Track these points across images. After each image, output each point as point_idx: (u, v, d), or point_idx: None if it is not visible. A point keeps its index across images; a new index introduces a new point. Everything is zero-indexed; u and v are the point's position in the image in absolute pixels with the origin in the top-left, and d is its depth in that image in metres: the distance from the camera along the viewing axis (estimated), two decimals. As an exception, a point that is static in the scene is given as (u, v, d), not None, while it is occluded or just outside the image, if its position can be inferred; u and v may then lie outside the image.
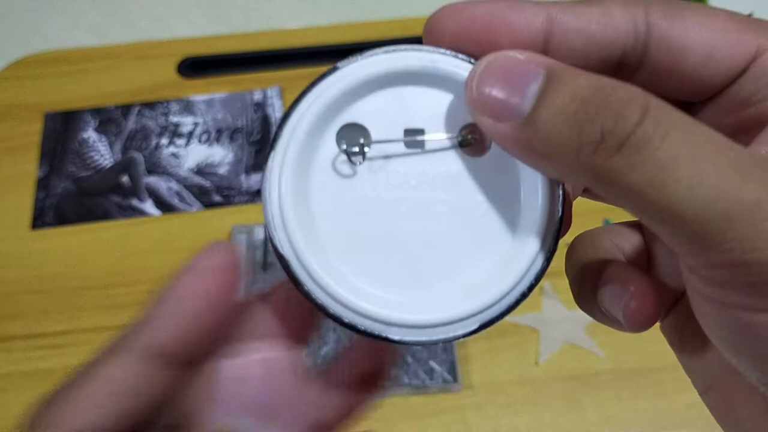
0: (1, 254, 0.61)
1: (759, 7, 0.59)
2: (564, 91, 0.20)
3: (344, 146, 0.23)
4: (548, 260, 0.22)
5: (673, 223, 0.19)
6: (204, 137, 0.67)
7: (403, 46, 0.23)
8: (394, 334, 0.22)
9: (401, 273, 0.23)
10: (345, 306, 0.22)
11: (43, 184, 0.65)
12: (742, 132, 0.23)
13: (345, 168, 0.23)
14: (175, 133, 0.67)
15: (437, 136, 0.23)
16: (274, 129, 0.21)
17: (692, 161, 0.18)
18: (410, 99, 0.23)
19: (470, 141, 0.23)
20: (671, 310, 0.27)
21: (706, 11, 0.23)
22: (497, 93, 0.20)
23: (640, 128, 0.18)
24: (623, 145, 0.19)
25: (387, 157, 0.23)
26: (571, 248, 0.29)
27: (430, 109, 0.23)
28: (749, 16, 0.22)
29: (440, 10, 0.23)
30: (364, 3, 0.78)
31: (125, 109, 0.69)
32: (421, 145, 0.23)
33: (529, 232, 0.22)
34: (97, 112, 0.68)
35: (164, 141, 0.67)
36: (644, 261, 0.28)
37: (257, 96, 0.69)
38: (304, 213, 0.22)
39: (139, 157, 0.66)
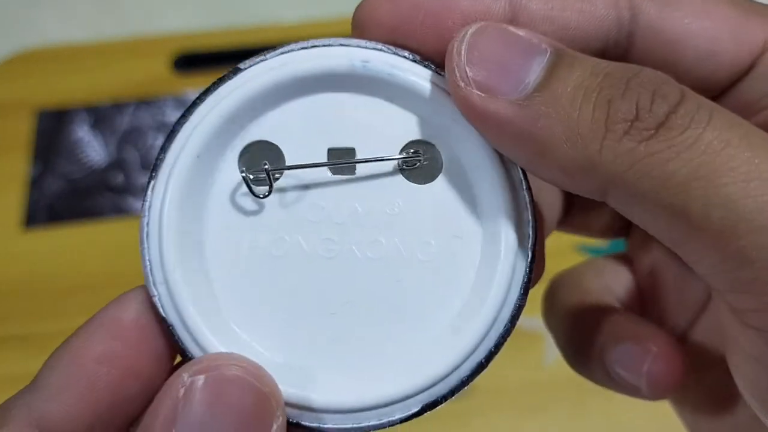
0: (-8, 254, 0.60)
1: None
2: (581, 66, 0.16)
3: (245, 172, 0.17)
4: (514, 319, 0.18)
5: (721, 232, 0.14)
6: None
7: (325, 40, 0.18)
8: (309, 420, 0.17)
9: (321, 339, 0.17)
10: None
11: (36, 183, 0.64)
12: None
13: (248, 202, 0.17)
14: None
15: (371, 157, 0.18)
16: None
17: (747, 147, 0.14)
18: (335, 110, 0.18)
19: (415, 163, 0.18)
20: None
21: None
22: (493, 59, 0.16)
23: (683, 107, 0.15)
24: (663, 125, 0.15)
25: (305, 186, 0.18)
26: (550, 293, 0.24)
27: (362, 123, 0.18)
28: None
29: None
30: (363, -2, 0.77)
31: (120, 107, 0.68)
32: (350, 170, 0.18)
33: (488, 283, 0.17)
34: (91, 110, 0.68)
35: (159, 139, 0.66)
36: (637, 304, 0.24)
37: (254, 93, 0.68)
38: (195, 261, 0.17)
39: (134, 155, 0.65)
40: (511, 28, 0.16)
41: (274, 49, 0.18)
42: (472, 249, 0.18)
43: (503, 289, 0.17)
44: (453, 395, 0.17)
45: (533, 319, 0.55)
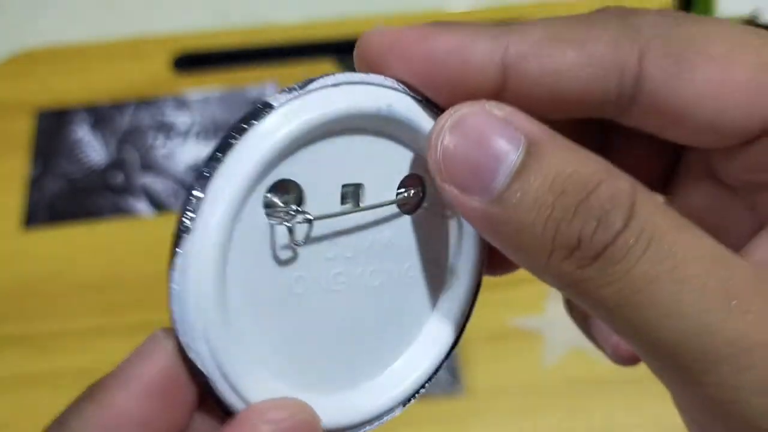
0: (-8, 254, 0.60)
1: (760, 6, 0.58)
2: (543, 171, 0.16)
3: (281, 220, 0.17)
4: (456, 340, 0.20)
5: (646, 352, 0.16)
6: (199, 135, 0.66)
7: (348, 76, 0.18)
8: None
9: (335, 369, 0.19)
10: None
11: (36, 183, 0.64)
12: (762, 190, 0.19)
13: (277, 244, 0.18)
14: (170, 131, 0.67)
15: (376, 192, 0.19)
16: (184, 197, 0.17)
17: (673, 283, 0.15)
18: (350, 146, 0.18)
19: (410, 198, 0.19)
20: None
21: (723, 54, 0.17)
22: (466, 159, 0.16)
23: (621, 238, 0.16)
24: (599, 255, 0.16)
25: (321, 224, 0.18)
26: None
27: (371, 159, 0.19)
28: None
29: (384, 33, 0.18)
30: (363, -1, 0.77)
31: (120, 107, 0.68)
32: (355, 202, 0.19)
33: (434, 314, 0.20)
34: (91, 110, 0.68)
35: (159, 139, 0.66)
36: None
37: (253, 93, 0.68)
38: (229, 312, 0.17)
39: (133, 155, 0.65)
40: (490, 109, 0.17)
41: (303, 85, 0.17)
42: (442, 267, 0.20)
43: (438, 324, 0.20)
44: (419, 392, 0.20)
45: (533, 319, 0.56)
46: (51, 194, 0.63)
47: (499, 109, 0.17)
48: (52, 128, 0.67)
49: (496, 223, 0.17)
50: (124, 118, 0.67)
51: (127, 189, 0.63)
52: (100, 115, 0.68)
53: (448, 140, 0.17)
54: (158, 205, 0.63)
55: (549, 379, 0.53)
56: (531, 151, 0.16)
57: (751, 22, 0.54)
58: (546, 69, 0.17)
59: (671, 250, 0.16)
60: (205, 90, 0.68)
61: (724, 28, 0.18)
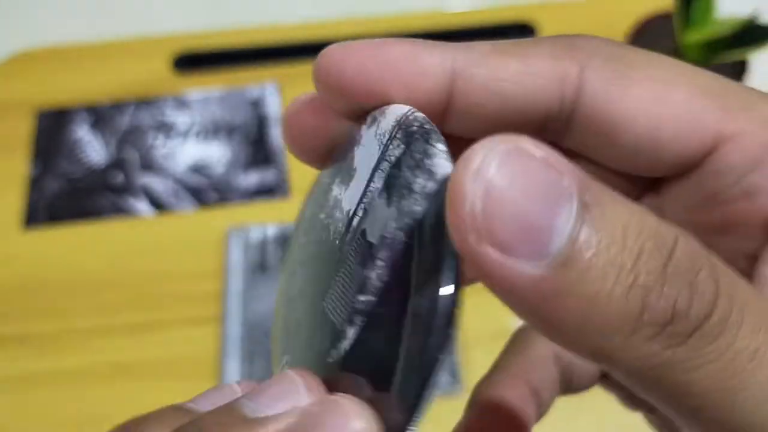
0: (-8, 254, 0.60)
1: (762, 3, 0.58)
2: (610, 226, 0.13)
3: None
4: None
5: None
6: (200, 135, 0.66)
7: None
8: None
9: None
10: None
11: (36, 183, 0.64)
12: (720, 234, 0.18)
13: None
14: (170, 131, 0.66)
15: None
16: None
17: None
18: None
19: None
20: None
21: (662, 76, 0.17)
22: (514, 213, 0.13)
23: (719, 307, 0.13)
24: (696, 330, 0.13)
25: None
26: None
27: None
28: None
29: (341, 45, 0.18)
30: (364, -1, 0.77)
31: (120, 107, 0.68)
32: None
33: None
34: (91, 110, 0.68)
35: (159, 139, 0.66)
36: None
37: (254, 93, 0.68)
38: None
39: (133, 155, 0.65)
40: (535, 155, 0.13)
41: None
42: None
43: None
44: None
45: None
46: (51, 194, 0.63)
47: (537, 148, 0.13)
48: (52, 128, 0.67)
49: (552, 294, 0.13)
50: (124, 118, 0.67)
51: (127, 189, 0.63)
52: (100, 115, 0.67)
53: (489, 188, 0.13)
54: (158, 205, 0.63)
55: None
56: (588, 202, 0.13)
57: (751, 22, 0.54)
58: (491, 76, 0.17)
59: (763, 316, 0.13)
60: (205, 90, 0.68)
61: (662, 58, 0.17)
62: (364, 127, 0.19)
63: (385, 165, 0.18)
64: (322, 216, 0.20)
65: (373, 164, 0.18)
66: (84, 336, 0.56)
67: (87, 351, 0.55)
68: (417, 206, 0.17)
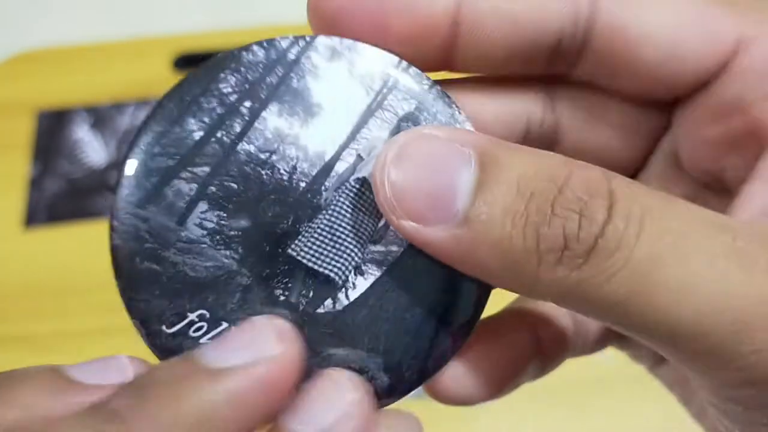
0: (-8, 254, 0.60)
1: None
2: (504, 179, 0.15)
3: None
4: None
5: (669, 342, 0.15)
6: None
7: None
8: None
9: None
10: None
11: (36, 183, 0.64)
12: (732, 151, 0.18)
13: None
14: (170, 130, 0.67)
15: None
16: None
17: (679, 259, 0.14)
18: None
19: None
20: (664, 360, 0.23)
21: None
22: (419, 190, 0.15)
23: (610, 225, 0.14)
24: (592, 250, 0.14)
25: None
26: None
27: None
28: None
29: None
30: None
31: (120, 107, 0.68)
32: None
33: None
34: (91, 110, 0.68)
35: (159, 139, 0.66)
36: None
37: (254, 93, 0.68)
38: None
39: (133, 155, 0.65)
40: (430, 132, 0.16)
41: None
42: None
43: None
44: None
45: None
46: (51, 194, 0.63)
47: (438, 131, 0.16)
48: (52, 128, 0.67)
49: (468, 248, 0.15)
50: (124, 118, 0.67)
51: (127, 189, 0.63)
52: (100, 115, 0.67)
53: (395, 175, 0.15)
54: (158, 205, 0.63)
55: (549, 379, 0.53)
56: (485, 162, 0.15)
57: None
58: (499, 4, 0.17)
59: (667, 226, 0.15)
60: (205, 90, 0.68)
61: None
62: (312, 56, 0.18)
63: (389, 115, 0.18)
64: (251, 149, 0.18)
65: (361, 109, 0.18)
66: (84, 336, 0.56)
67: (87, 351, 0.55)
68: None
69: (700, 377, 0.16)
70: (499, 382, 0.20)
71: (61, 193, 0.63)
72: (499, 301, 0.21)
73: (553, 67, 0.18)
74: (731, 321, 0.14)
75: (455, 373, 0.19)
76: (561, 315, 0.23)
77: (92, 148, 0.66)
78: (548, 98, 0.20)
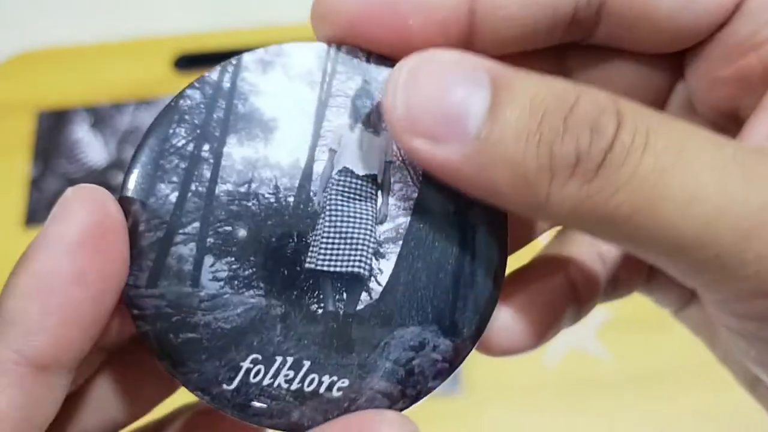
0: (-8, 254, 0.61)
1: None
2: (518, 99, 0.15)
3: None
4: None
5: (676, 254, 0.15)
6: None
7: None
8: None
9: None
10: None
11: (36, 183, 0.64)
12: (747, 89, 0.19)
13: None
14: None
15: None
16: None
17: (684, 168, 0.15)
18: None
19: None
20: (692, 301, 0.24)
21: None
22: (433, 108, 0.15)
23: (618, 140, 0.15)
24: (601, 164, 0.15)
25: None
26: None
27: None
28: None
29: None
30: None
31: (119, 107, 0.68)
32: None
33: None
34: (91, 110, 0.68)
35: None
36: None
37: (254, 93, 0.68)
38: None
39: (133, 155, 0.65)
40: (443, 54, 0.16)
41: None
42: None
43: None
44: None
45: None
46: (51, 194, 0.63)
47: (450, 53, 0.16)
48: (52, 128, 0.67)
49: (480, 167, 0.15)
50: (124, 118, 0.67)
51: (127, 189, 0.63)
52: (100, 115, 0.67)
53: (407, 95, 0.16)
54: (158, 205, 0.63)
55: (549, 379, 0.53)
56: (498, 84, 0.15)
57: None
58: None
59: (670, 141, 0.15)
60: (205, 90, 0.68)
61: None
62: (246, 76, 0.18)
63: (341, 100, 0.18)
64: (229, 187, 0.18)
65: (314, 105, 0.18)
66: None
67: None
68: None
69: (710, 294, 0.16)
70: (543, 328, 0.21)
71: (62, 193, 0.63)
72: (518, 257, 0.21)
73: (569, 36, 0.19)
74: (734, 227, 0.15)
75: (504, 324, 0.20)
76: (591, 259, 0.23)
77: (92, 148, 0.66)
78: (561, 64, 0.20)
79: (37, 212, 0.62)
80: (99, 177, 0.64)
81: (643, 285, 0.24)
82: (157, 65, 0.70)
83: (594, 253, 0.23)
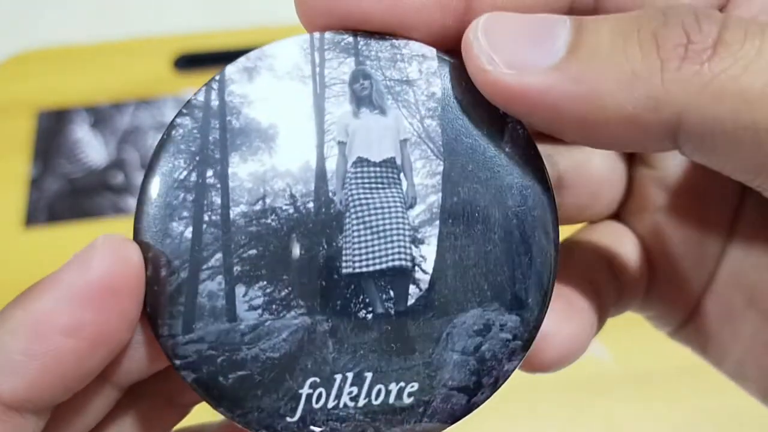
0: (-8, 253, 0.60)
1: None
2: (607, 18, 0.14)
3: None
4: None
5: None
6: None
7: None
8: None
9: None
10: None
11: (36, 183, 0.64)
12: None
13: None
14: (170, 130, 0.66)
15: None
16: None
17: None
18: None
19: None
20: (692, 317, 0.24)
21: None
22: (516, 36, 0.15)
23: (731, 22, 0.13)
24: (719, 41, 0.13)
25: None
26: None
27: None
28: None
29: None
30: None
31: (119, 107, 0.68)
32: None
33: None
34: (91, 110, 0.68)
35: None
36: (645, 266, 0.23)
37: (254, 93, 0.68)
38: None
39: (133, 155, 0.65)
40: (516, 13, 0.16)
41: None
42: None
43: None
44: None
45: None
46: (51, 194, 0.63)
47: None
48: (52, 128, 0.67)
49: (576, 80, 0.14)
50: (124, 118, 0.67)
51: (127, 189, 0.63)
52: (100, 115, 0.67)
53: (488, 24, 0.15)
54: (158, 205, 0.62)
55: (549, 379, 0.53)
56: (581, 18, 0.15)
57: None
58: None
59: None
60: (205, 90, 0.68)
61: None
62: (233, 88, 0.18)
63: (338, 88, 0.17)
64: (243, 209, 0.17)
65: (310, 100, 0.17)
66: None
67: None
68: (433, 87, 0.16)
69: None
70: (591, 328, 0.21)
71: (61, 193, 0.63)
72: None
73: None
74: None
75: (552, 330, 0.19)
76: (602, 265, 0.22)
77: (92, 147, 0.66)
78: None
79: (36, 212, 0.62)
80: (99, 177, 0.64)
81: (639, 302, 0.24)
82: (157, 65, 0.70)
83: (605, 261, 0.23)
